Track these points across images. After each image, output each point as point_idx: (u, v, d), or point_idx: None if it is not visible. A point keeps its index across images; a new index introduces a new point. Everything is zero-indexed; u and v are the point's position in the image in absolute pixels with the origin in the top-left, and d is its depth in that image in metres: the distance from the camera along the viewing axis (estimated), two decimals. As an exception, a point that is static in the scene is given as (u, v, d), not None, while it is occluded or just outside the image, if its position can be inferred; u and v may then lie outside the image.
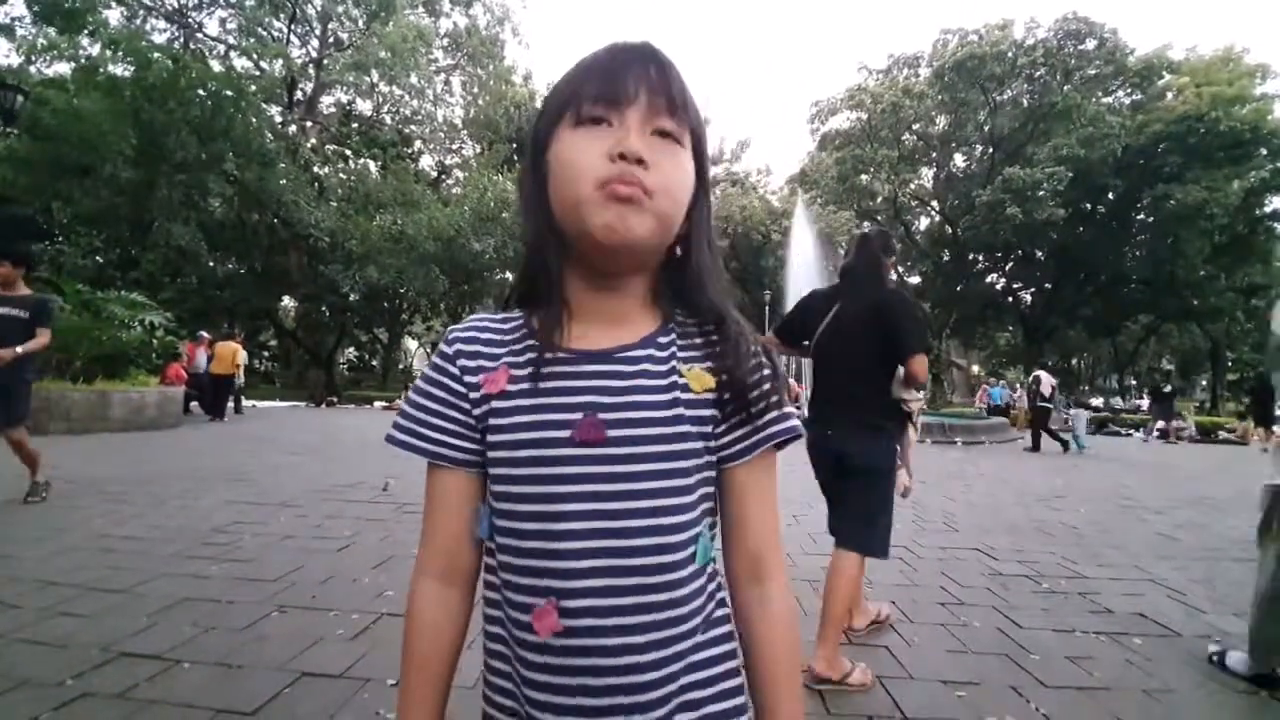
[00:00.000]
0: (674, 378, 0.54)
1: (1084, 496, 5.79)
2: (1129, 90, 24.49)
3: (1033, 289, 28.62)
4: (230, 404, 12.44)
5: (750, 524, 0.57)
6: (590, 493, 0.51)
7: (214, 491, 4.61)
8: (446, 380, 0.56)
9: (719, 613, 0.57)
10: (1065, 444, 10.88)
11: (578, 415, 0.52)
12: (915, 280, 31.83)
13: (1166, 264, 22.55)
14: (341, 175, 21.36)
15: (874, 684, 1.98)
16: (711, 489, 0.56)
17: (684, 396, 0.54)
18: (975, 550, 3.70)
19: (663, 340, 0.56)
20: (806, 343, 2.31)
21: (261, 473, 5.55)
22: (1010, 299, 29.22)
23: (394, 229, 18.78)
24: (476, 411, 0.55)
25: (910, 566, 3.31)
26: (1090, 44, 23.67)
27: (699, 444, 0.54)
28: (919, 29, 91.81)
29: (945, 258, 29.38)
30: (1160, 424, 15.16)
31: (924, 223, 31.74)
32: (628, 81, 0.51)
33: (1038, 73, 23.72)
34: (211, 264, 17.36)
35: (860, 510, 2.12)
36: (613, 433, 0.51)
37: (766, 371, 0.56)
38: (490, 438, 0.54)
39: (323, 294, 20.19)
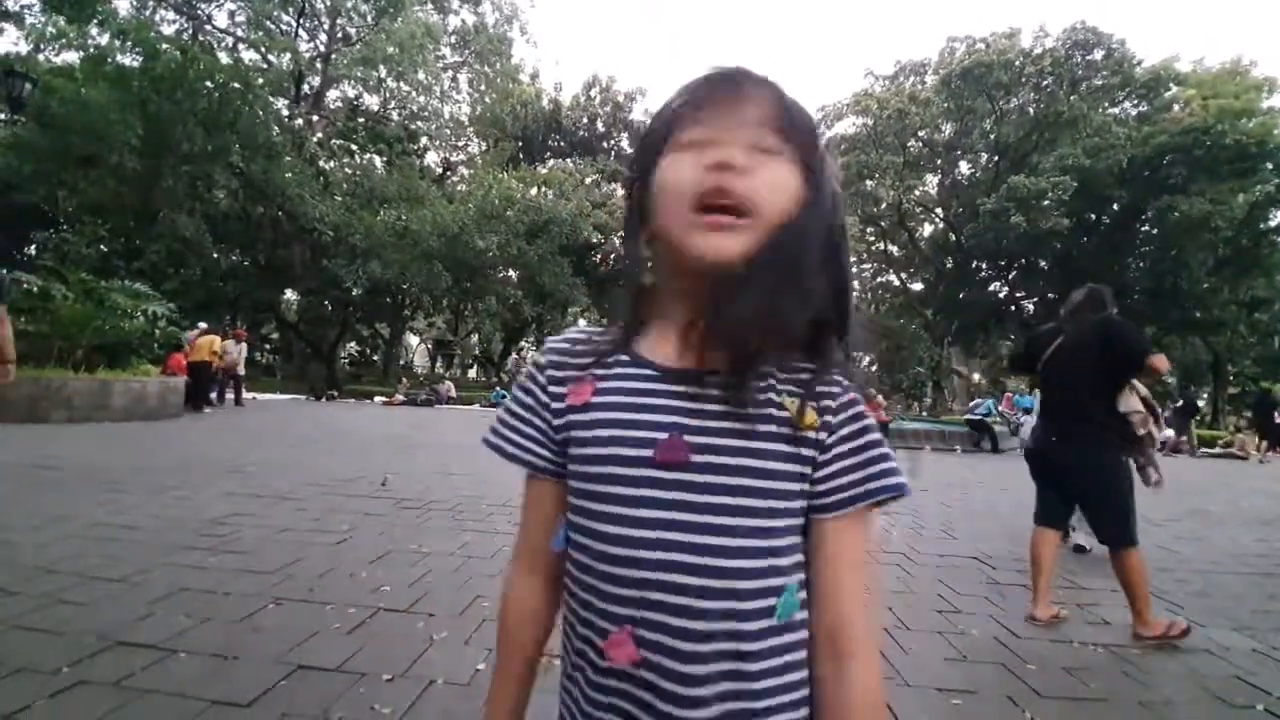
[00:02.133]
0: (770, 409, 0.50)
1: (1083, 507, 5.79)
2: (1135, 101, 24.50)
3: (1035, 298, 28.57)
4: (230, 395, 12.48)
5: (832, 588, 0.50)
6: (664, 520, 0.48)
7: (213, 483, 4.61)
8: (534, 389, 0.57)
9: (803, 694, 0.50)
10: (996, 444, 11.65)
11: (661, 435, 0.49)
12: (918, 287, 31.84)
13: (1169, 276, 22.52)
14: (347, 170, 21.40)
15: (1188, 626, 2.46)
16: (798, 536, 0.51)
17: (781, 431, 0.49)
18: (973, 558, 3.69)
19: (763, 367, 0.51)
20: (1035, 369, 2.88)
21: (261, 465, 5.55)
22: (1013, 308, 29.18)
23: (398, 224, 18.82)
24: (557, 422, 0.55)
25: (908, 573, 3.31)
26: (1098, 54, 23.69)
27: (794, 485, 0.50)
28: (926, 36, 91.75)
29: (948, 265, 29.36)
30: (1171, 436, 14.92)
31: (928, 229, 31.75)
32: (724, 104, 0.50)
33: (1044, 82, 23.73)
34: (215, 256, 17.40)
35: (1106, 514, 2.57)
36: (696, 457, 0.48)
37: (870, 421, 0.52)
38: (570, 450, 0.54)
39: (325, 288, 20.23)
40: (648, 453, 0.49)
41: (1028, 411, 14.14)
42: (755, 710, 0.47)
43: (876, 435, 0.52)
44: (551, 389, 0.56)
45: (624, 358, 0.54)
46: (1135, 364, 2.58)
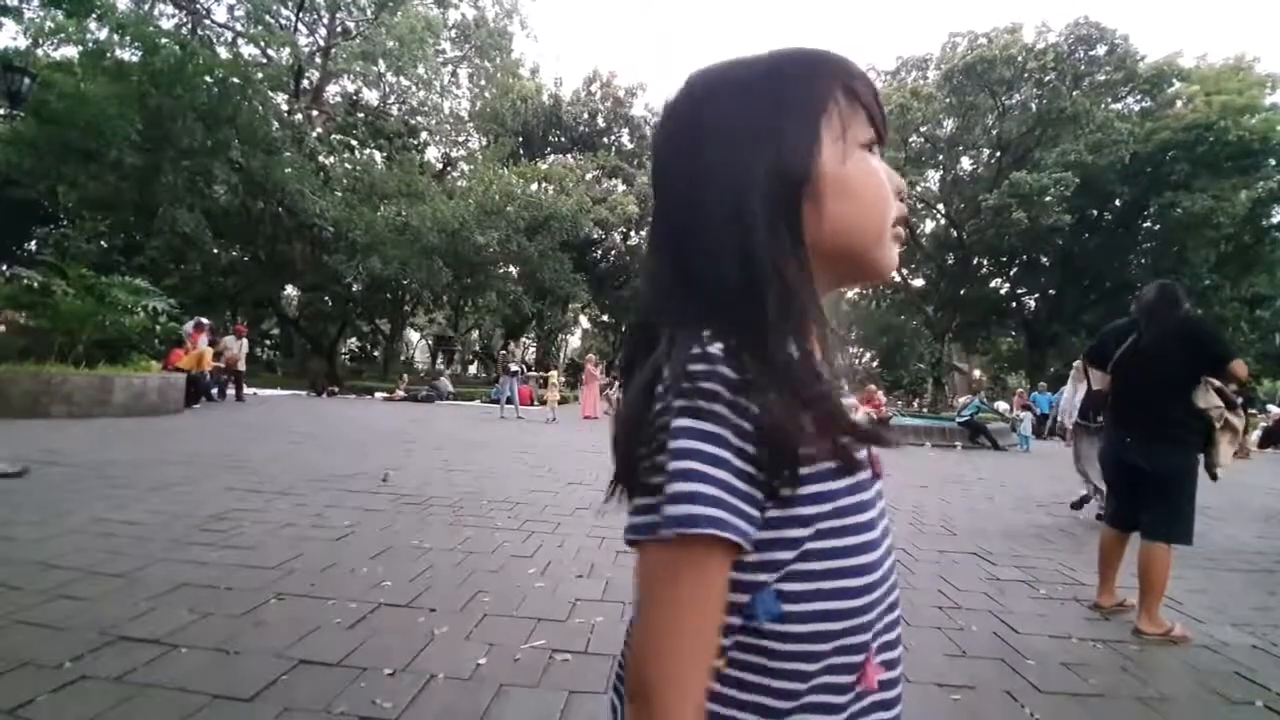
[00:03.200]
0: None
1: (1083, 503, 5.79)
2: (1138, 97, 24.42)
3: (1036, 294, 28.58)
4: (231, 391, 12.48)
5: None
6: (886, 526, 0.49)
7: (214, 478, 4.62)
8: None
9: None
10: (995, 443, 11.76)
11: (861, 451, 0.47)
12: (919, 283, 31.79)
13: (1171, 272, 22.43)
14: (347, 165, 21.35)
15: (1193, 637, 2.51)
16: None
17: None
18: (973, 555, 3.70)
19: None
20: (1109, 366, 2.82)
21: (261, 460, 5.56)
22: (1014, 304, 29.18)
23: (398, 220, 18.78)
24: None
25: (908, 569, 3.31)
26: (1101, 50, 23.60)
27: None
28: (928, 31, 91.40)
29: (950, 261, 29.33)
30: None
31: (929, 226, 31.70)
32: (886, 115, 0.51)
33: (1047, 77, 23.64)
34: (216, 251, 17.38)
35: (1165, 508, 2.55)
36: (879, 470, 0.50)
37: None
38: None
39: (326, 283, 20.20)
40: (866, 476, 0.47)
41: (1026, 408, 14.14)
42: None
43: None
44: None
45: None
46: (1219, 367, 2.55)
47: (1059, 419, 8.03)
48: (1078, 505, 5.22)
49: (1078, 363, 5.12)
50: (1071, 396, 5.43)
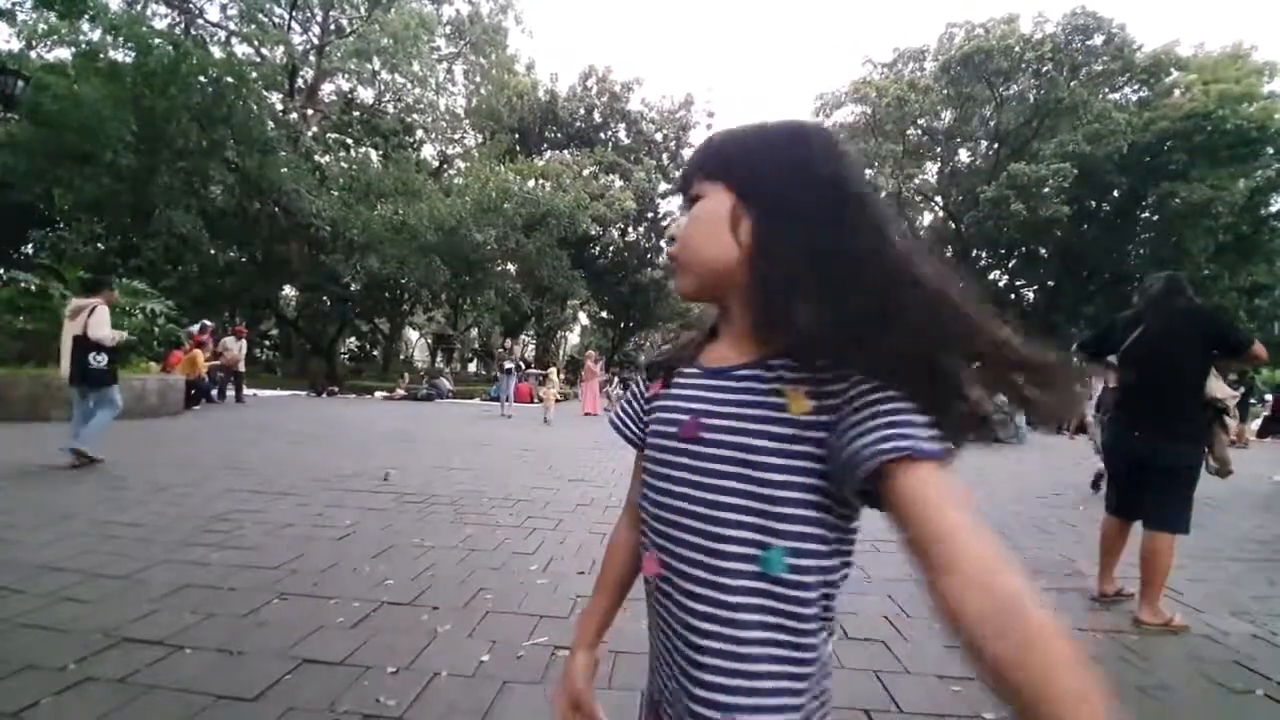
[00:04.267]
0: (773, 397, 0.59)
1: (1083, 494, 5.80)
2: (1136, 87, 24.32)
3: (1035, 286, 28.56)
4: (231, 392, 12.47)
5: (910, 530, 0.52)
6: (684, 479, 0.62)
7: (215, 479, 4.62)
8: (637, 383, 0.78)
9: (773, 637, 0.56)
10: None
11: (687, 417, 0.63)
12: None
13: (1170, 263, 22.39)
14: (343, 164, 21.27)
15: (1193, 627, 2.53)
16: (808, 510, 0.56)
17: (778, 415, 0.58)
18: (973, 546, 3.70)
19: (773, 363, 0.60)
20: (1110, 357, 2.82)
21: (262, 461, 5.57)
22: (1013, 296, 29.14)
23: (395, 219, 18.71)
24: (646, 407, 0.73)
25: (907, 562, 3.32)
26: (1098, 39, 23.49)
27: (787, 461, 0.57)
28: (925, 23, 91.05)
29: (948, 253, 29.27)
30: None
31: (928, 218, 31.65)
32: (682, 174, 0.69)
33: (1044, 68, 23.55)
34: (213, 252, 17.31)
35: (1169, 500, 2.57)
36: (705, 435, 0.61)
37: (885, 397, 0.52)
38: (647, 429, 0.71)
39: (324, 283, 20.17)
40: (676, 430, 0.64)
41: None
42: (723, 649, 0.58)
43: (892, 406, 0.52)
44: (645, 384, 0.75)
45: (690, 360, 0.70)
46: (1240, 351, 2.55)
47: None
48: (1096, 485, 5.65)
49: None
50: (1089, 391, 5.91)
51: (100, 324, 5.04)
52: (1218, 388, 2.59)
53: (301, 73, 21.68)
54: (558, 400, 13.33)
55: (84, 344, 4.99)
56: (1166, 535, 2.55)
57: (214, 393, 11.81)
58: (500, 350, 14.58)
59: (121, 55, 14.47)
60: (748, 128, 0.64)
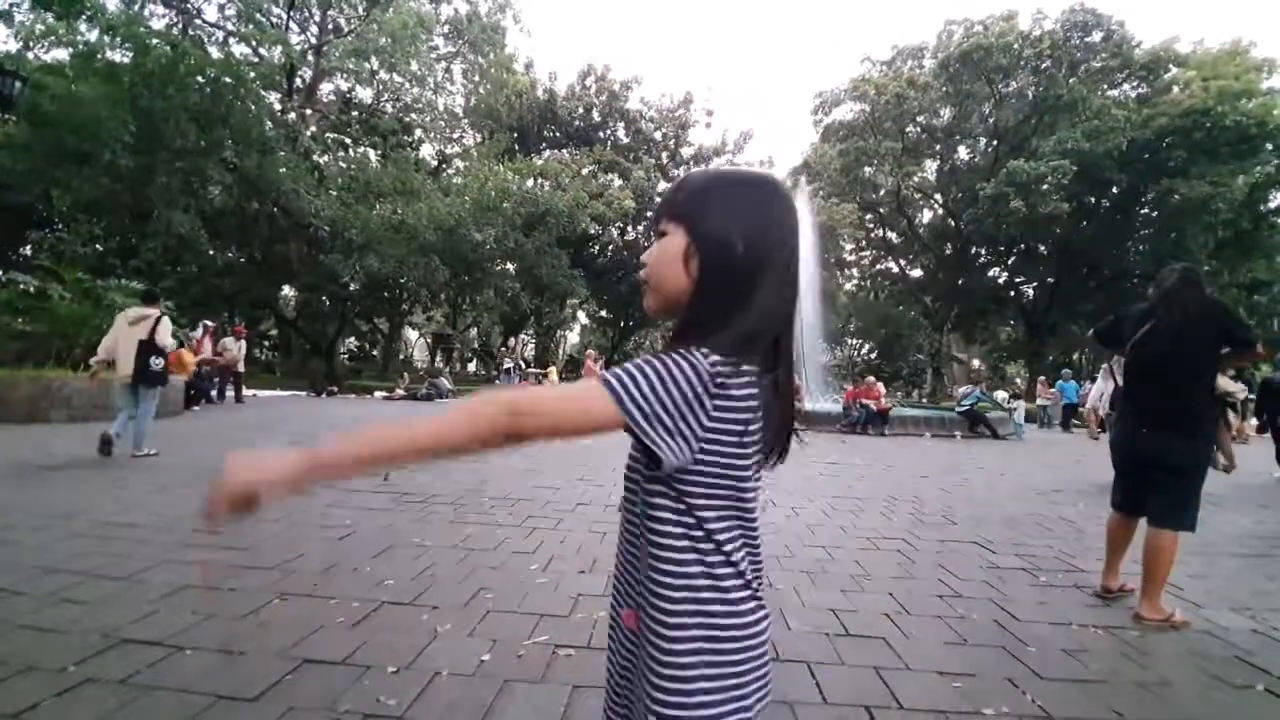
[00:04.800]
0: None
1: (1082, 491, 5.80)
2: (1135, 83, 24.32)
3: (1035, 283, 28.56)
4: (231, 392, 12.46)
5: None
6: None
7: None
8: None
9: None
10: (995, 432, 11.86)
11: None
12: (917, 274, 31.77)
13: (1169, 259, 22.21)
14: (341, 164, 21.25)
15: (1193, 622, 2.53)
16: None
17: None
18: (973, 543, 3.71)
19: None
20: (1124, 346, 2.79)
21: (262, 461, 5.54)
22: (1012, 293, 29.16)
23: (394, 218, 18.71)
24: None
25: (908, 559, 3.33)
26: (1097, 36, 23.50)
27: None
28: (923, 20, 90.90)
29: (948, 251, 29.30)
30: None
31: (927, 216, 31.65)
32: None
33: (1043, 65, 23.55)
34: (211, 252, 17.33)
35: (1175, 497, 2.55)
36: None
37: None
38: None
39: (323, 283, 20.14)
40: None
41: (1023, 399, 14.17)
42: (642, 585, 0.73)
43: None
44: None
45: None
46: (1245, 348, 2.55)
47: (1088, 410, 8.27)
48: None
49: (1106, 364, 5.24)
50: (1103, 390, 5.73)
51: (166, 332, 5.85)
52: (1225, 382, 2.59)
53: (300, 72, 21.65)
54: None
55: (148, 348, 5.62)
56: (1170, 533, 2.53)
57: (213, 393, 11.80)
58: (500, 350, 14.60)
59: (119, 55, 14.47)
60: (710, 176, 0.78)
